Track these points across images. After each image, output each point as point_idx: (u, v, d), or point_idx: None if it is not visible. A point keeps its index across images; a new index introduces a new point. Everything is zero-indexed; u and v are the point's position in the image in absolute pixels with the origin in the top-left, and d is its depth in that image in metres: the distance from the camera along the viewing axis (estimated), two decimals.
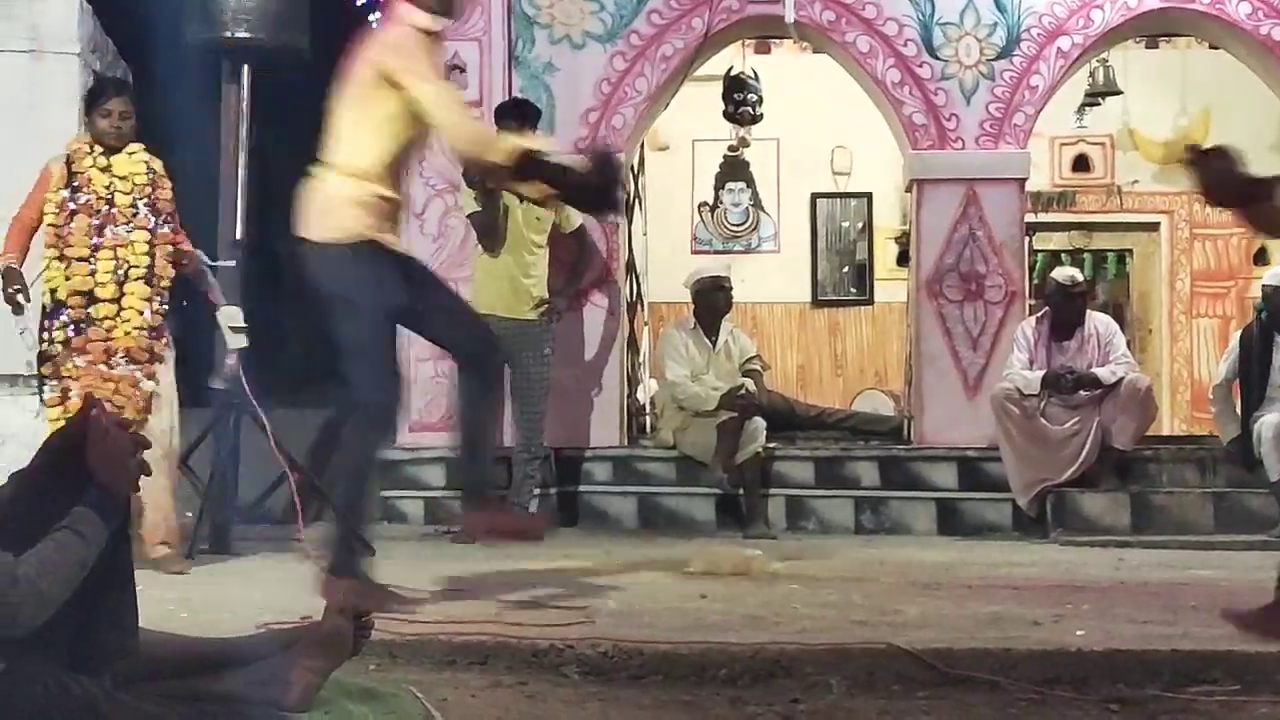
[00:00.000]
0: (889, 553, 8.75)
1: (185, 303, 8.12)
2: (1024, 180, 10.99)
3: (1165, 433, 12.85)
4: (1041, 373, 9.86)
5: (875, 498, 10.37)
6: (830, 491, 10.42)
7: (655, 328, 12.64)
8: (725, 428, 10.06)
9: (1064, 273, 10.39)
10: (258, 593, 6.44)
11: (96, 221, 7.42)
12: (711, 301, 10.67)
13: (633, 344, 11.60)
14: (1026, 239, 11.46)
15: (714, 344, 10.61)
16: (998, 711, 4.43)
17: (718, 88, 12.91)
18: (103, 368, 7.29)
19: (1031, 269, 12.93)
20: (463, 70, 10.79)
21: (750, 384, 10.31)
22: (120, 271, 7.39)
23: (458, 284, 10.23)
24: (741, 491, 10.18)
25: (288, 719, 3.72)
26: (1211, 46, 12.17)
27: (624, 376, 11.01)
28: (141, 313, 7.40)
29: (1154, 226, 14.76)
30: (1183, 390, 14.51)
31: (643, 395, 11.85)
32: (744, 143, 13.88)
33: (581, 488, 10.57)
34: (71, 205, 7.44)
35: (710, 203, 14.52)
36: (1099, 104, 13.78)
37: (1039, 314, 10.34)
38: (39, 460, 3.54)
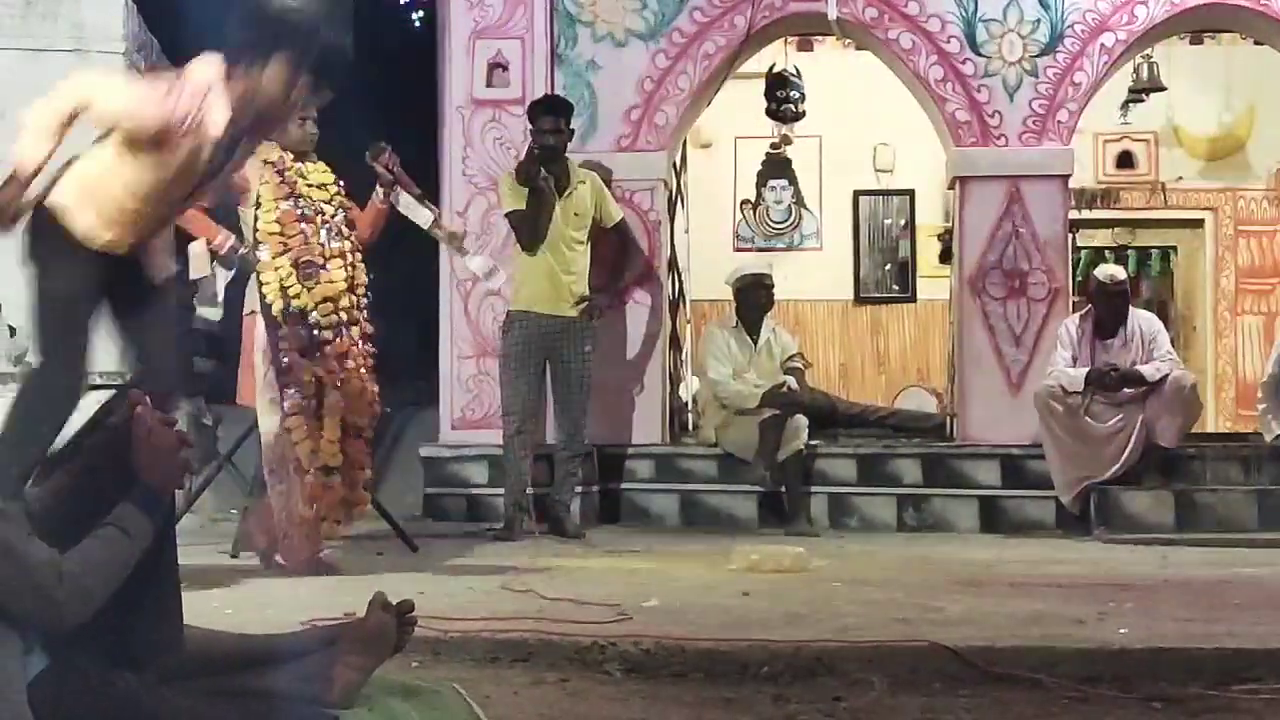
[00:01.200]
0: (931, 550, 8.74)
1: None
2: (1067, 177, 10.96)
3: (1210, 430, 12.79)
4: (1085, 370, 9.82)
5: (918, 495, 10.36)
6: (872, 489, 10.42)
7: (697, 325, 12.63)
8: (767, 425, 10.05)
9: (1106, 270, 10.36)
10: (302, 589, 6.47)
11: (325, 230, 7.42)
12: (753, 299, 10.67)
13: (675, 342, 11.60)
14: (1070, 236, 11.41)
15: (756, 342, 10.61)
16: (1040, 710, 4.41)
17: (760, 85, 12.89)
18: (344, 375, 7.31)
19: (1075, 266, 12.87)
20: (505, 68, 10.81)
21: (792, 381, 10.30)
22: (348, 279, 7.42)
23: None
24: (784, 489, 10.18)
25: (331, 716, 3.73)
26: (1256, 42, 12.12)
27: (666, 374, 11.02)
28: (365, 319, 7.50)
29: (1198, 223, 14.69)
30: (1227, 387, 14.43)
31: (685, 393, 11.85)
32: (786, 140, 13.85)
33: (624, 485, 10.58)
34: (297, 213, 7.36)
35: (752, 200, 14.49)
36: (1143, 100, 13.72)
37: (1083, 311, 10.30)
38: (85, 457, 3.56)
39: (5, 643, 3.21)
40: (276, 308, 7.25)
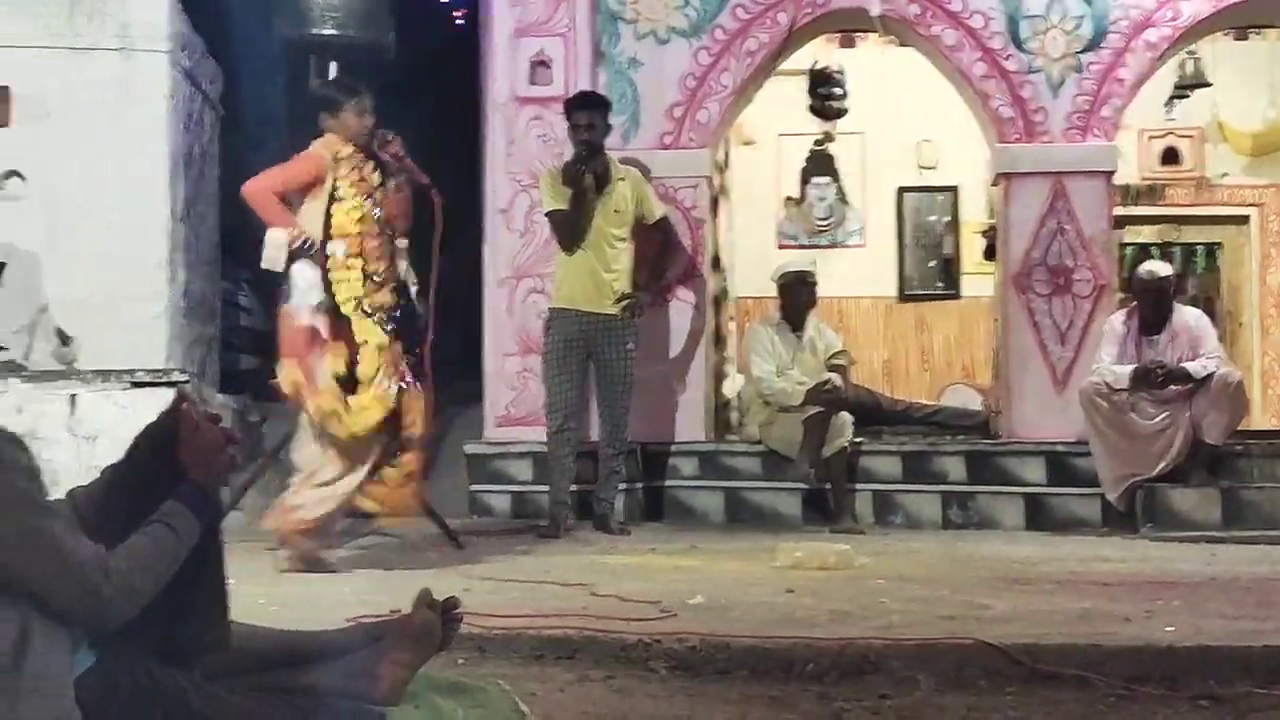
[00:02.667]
0: (976, 548, 8.71)
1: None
2: (1112, 173, 10.92)
3: (1256, 427, 12.72)
4: (1131, 367, 9.78)
5: (963, 492, 10.33)
6: (917, 486, 10.39)
7: (741, 322, 12.62)
8: (811, 422, 10.03)
9: (1147, 267, 10.31)
10: (347, 587, 6.49)
11: (387, 234, 7.44)
12: (796, 296, 10.65)
13: (718, 339, 11.59)
14: (1115, 232, 11.37)
15: (800, 339, 10.60)
16: (1086, 708, 4.40)
17: (803, 82, 12.88)
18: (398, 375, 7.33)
19: (1121, 262, 12.83)
20: (548, 66, 10.82)
21: (836, 378, 10.27)
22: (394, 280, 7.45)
23: (545, 279, 10.31)
24: (828, 486, 10.16)
25: (377, 713, 3.74)
26: None
27: (710, 371, 11.01)
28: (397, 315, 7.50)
29: (1244, 219, 14.63)
30: (1274, 384, 14.37)
31: (728, 390, 11.83)
32: (829, 137, 13.82)
33: (668, 482, 10.57)
34: (375, 214, 7.38)
35: (796, 197, 14.46)
36: (1188, 96, 13.67)
37: (1128, 308, 10.25)
38: (132, 454, 3.57)
39: (54, 639, 3.22)
40: (349, 308, 7.25)
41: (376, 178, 7.47)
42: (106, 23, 10.45)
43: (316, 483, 7.26)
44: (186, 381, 9.25)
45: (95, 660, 3.33)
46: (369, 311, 7.27)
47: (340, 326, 7.24)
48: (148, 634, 3.38)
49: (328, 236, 7.29)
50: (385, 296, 7.35)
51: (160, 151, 10.53)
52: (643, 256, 9.91)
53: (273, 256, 7.25)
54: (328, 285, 7.26)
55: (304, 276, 7.28)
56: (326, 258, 7.28)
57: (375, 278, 7.31)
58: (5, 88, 7.08)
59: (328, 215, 7.29)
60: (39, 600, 3.19)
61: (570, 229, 9.51)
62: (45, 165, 10.10)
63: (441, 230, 7.59)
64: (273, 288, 7.71)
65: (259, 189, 7.31)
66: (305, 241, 7.25)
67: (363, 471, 7.27)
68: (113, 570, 3.22)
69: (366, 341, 7.25)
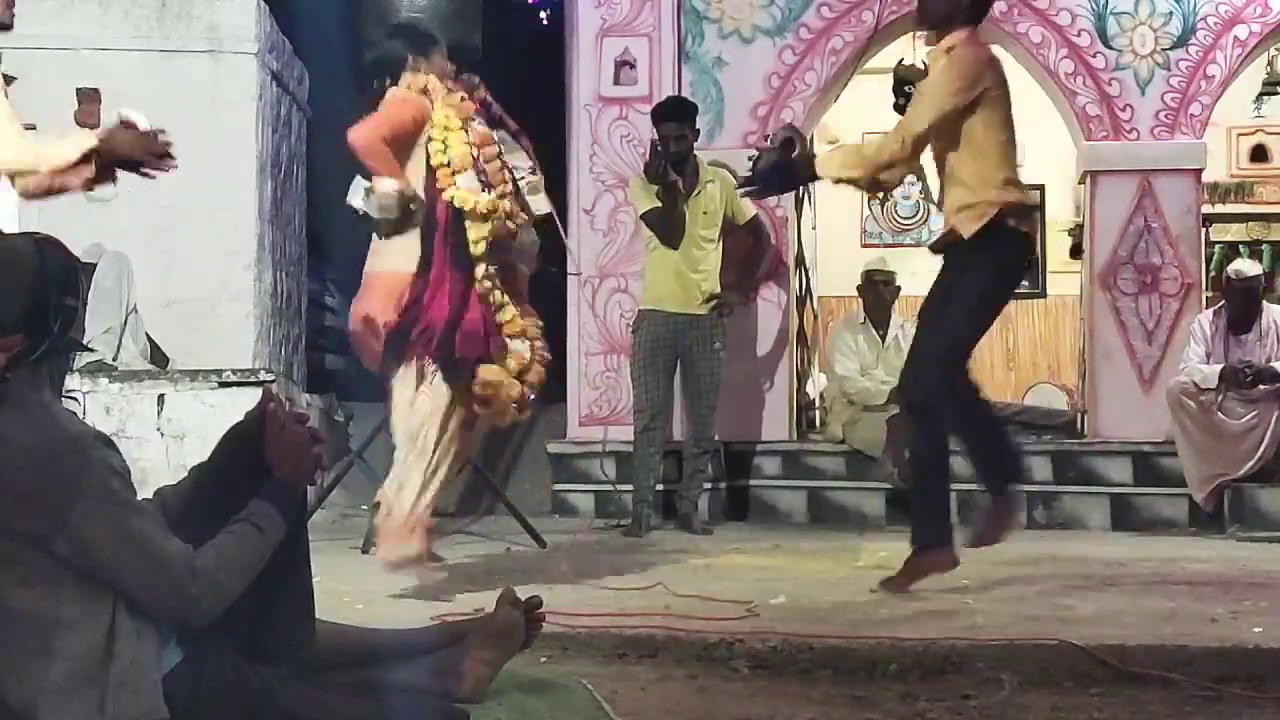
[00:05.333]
0: (1061, 548, 8.66)
1: None
2: (1200, 171, 10.84)
3: None
4: (1219, 366, 9.70)
5: (1048, 492, 10.27)
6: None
7: (824, 321, 12.60)
8: (895, 422, 9.99)
9: (1236, 266, 10.22)
10: (432, 585, 6.50)
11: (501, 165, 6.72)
12: (875, 295, 10.65)
13: (802, 338, 11.58)
14: (1203, 230, 11.28)
15: (884, 338, 10.58)
16: (1172, 709, 4.37)
17: (888, 80, 12.80)
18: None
19: (1209, 261, 12.71)
20: (633, 66, 10.84)
21: None
22: None
23: (629, 279, 10.33)
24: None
25: (462, 710, 3.77)
26: None
27: (793, 370, 11.01)
28: None
29: None
30: None
31: (812, 389, 11.82)
32: None
33: (751, 482, 10.57)
34: (488, 135, 6.68)
35: (880, 196, 14.42)
36: (1277, 93, 13.52)
37: (1216, 307, 10.17)
38: (219, 454, 3.61)
39: (142, 636, 3.26)
40: (479, 250, 6.45)
41: (470, 107, 6.75)
42: (195, 25, 10.55)
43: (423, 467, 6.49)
44: (273, 381, 9.32)
45: (183, 657, 3.37)
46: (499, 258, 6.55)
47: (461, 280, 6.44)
48: (234, 631, 3.41)
49: (434, 184, 6.50)
50: (523, 234, 6.69)
51: (249, 153, 10.61)
52: (731, 257, 9.90)
53: (384, 205, 6.47)
54: (446, 236, 6.44)
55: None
56: (448, 205, 6.44)
57: (506, 215, 6.55)
58: (95, 90, 7.04)
59: (428, 160, 6.53)
60: (128, 597, 3.23)
61: (665, 225, 9.49)
62: None
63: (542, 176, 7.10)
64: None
65: (368, 137, 6.51)
66: (414, 198, 6.48)
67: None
68: (200, 568, 3.25)
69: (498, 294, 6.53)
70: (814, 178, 6.86)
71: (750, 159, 7.03)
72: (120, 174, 5.27)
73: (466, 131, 6.56)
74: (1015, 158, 6.65)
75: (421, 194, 6.49)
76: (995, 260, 6.62)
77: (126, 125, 5.19)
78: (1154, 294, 10.59)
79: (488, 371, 6.40)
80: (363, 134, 6.50)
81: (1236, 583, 6.86)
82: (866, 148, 6.62)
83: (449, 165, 6.47)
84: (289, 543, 3.48)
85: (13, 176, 5.27)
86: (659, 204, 9.43)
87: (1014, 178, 6.59)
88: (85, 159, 5.13)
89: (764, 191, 6.92)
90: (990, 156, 6.49)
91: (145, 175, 5.29)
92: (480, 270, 6.43)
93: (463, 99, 6.69)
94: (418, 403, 6.37)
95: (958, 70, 6.49)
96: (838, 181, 6.89)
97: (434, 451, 6.36)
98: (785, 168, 6.64)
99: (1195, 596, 6.33)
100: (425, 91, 6.63)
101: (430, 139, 6.53)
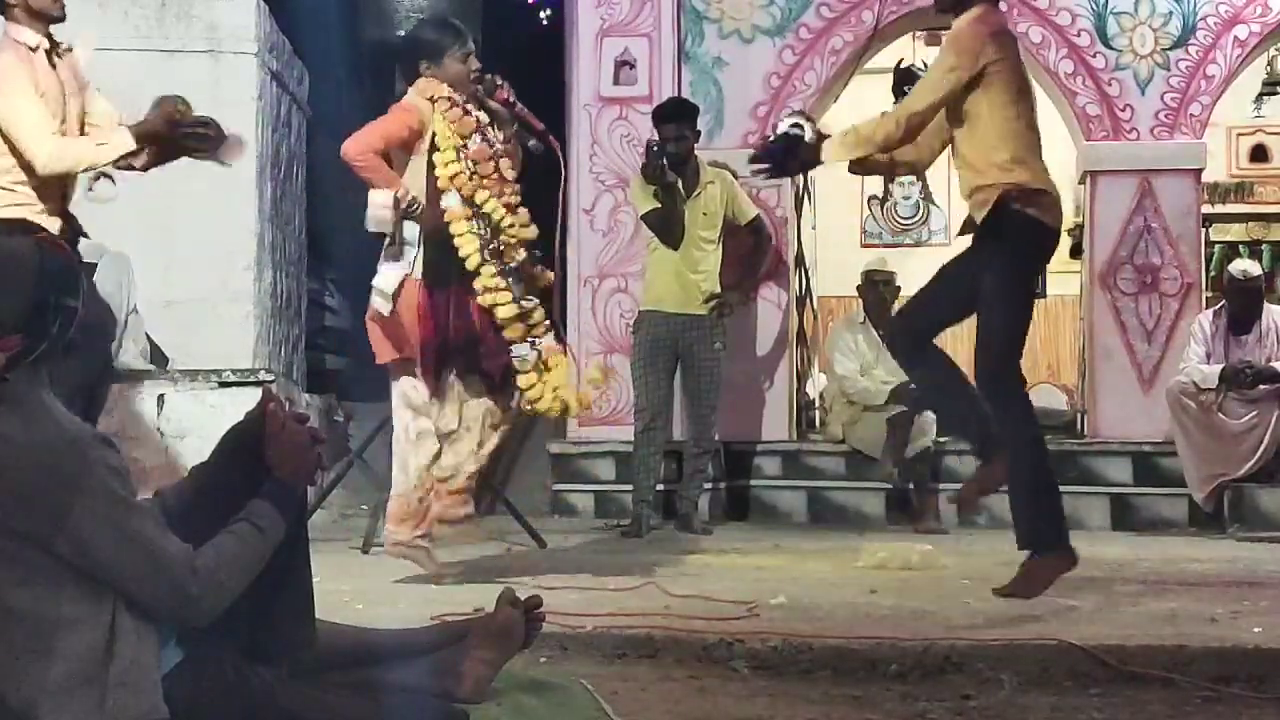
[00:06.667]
0: None
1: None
2: (1200, 171, 10.84)
3: None
4: (1219, 367, 9.71)
5: None
6: (1002, 486, 10.32)
7: (825, 321, 12.60)
8: (895, 422, 10.02)
9: (1238, 266, 10.23)
10: (430, 585, 6.51)
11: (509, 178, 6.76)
12: (873, 295, 10.65)
13: (802, 338, 11.58)
14: (1203, 230, 11.28)
15: (884, 338, 10.57)
16: (1172, 709, 4.37)
17: (888, 80, 12.80)
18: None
19: (1209, 261, 12.71)
20: (632, 66, 10.84)
21: None
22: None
23: (629, 279, 10.34)
24: (912, 486, 10.13)
25: (461, 710, 3.77)
26: None
27: (793, 371, 11.01)
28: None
29: None
30: None
31: (812, 389, 11.82)
32: None
33: (751, 482, 10.57)
34: (489, 151, 6.68)
35: (880, 196, 14.39)
36: (1277, 93, 13.52)
37: (1216, 307, 10.17)
38: (219, 454, 3.61)
39: (142, 635, 3.26)
40: (473, 262, 6.49)
41: (484, 116, 6.76)
42: (194, 25, 10.52)
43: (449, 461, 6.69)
44: (273, 381, 9.31)
45: (183, 657, 3.38)
46: (500, 267, 6.56)
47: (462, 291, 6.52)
48: (234, 631, 3.42)
49: (436, 191, 6.55)
50: (517, 250, 6.64)
51: (249, 153, 10.59)
52: (732, 257, 9.90)
53: (378, 218, 6.51)
54: (449, 245, 6.51)
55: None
56: (442, 212, 6.51)
57: (505, 227, 6.58)
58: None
59: (430, 168, 6.57)
60: (128, 597, 3.23)
61: (665, 226, 9.48)
62: None
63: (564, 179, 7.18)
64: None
65: (360, 148, 6.53)
66: (412, 203, 6.50)
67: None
68: (200, 568, 3.26)
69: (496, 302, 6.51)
70: (819, 161, 6.72)
71: (765, 138, 6.95)
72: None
73: (465, 149, 6.60)
74: (1029, 135, 6.39)
75: (423, 200, 6.57)
76: (1005, 250, 6.39)
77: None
78: (1154, 294, 10.59)
79: (529, 387, 6.56)
80: (354, 147, 6.59)
81: (1236, 583, 6.87)
82: (864, 126, 6.55)
83: (438, 182, 6.55)
84: (289, 543, 3.48)
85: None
86: (659, 204, 9.43)
87: (1022, 156, 6.29)
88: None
89: (776, 171, 6.82)
90: (992, 135, 6.26)
91: (200, 155, 5.85)
92: (480, 282, 6.50)
93: (465, 115, 6.68)
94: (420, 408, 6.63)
95: (955, 47, 6.39)
96: (851, 164, 6.83)
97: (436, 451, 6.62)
98: (798, 149, 6.51)
99: (1195, 596, 6.34)
100: (433, 100, 6.66)
101: (435, 148, 6.60)
